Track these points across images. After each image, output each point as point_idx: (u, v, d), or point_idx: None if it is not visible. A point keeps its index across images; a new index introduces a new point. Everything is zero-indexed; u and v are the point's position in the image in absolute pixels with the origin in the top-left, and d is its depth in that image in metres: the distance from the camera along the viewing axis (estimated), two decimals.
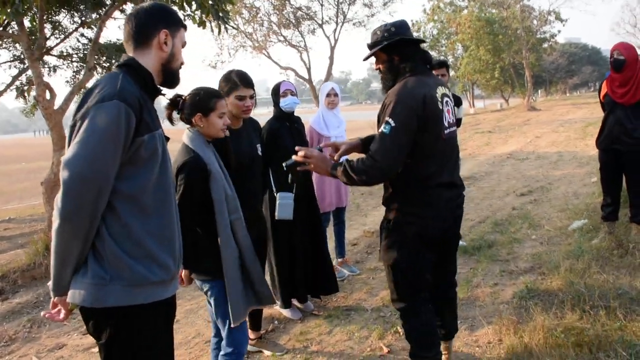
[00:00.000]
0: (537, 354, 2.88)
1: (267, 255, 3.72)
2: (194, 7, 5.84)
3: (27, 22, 7.73)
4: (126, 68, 1.76)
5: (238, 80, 2.96)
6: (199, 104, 2.50)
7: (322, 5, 23.05)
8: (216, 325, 2.76)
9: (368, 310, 3.97)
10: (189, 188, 2.40)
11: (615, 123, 4.47)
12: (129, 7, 7.46)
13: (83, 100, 1.66)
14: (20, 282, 5.36)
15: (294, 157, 2.58)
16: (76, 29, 9.37)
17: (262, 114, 3.96)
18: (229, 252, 2.49)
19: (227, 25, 5.95)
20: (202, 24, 5.93)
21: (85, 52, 9.76)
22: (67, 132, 1.69)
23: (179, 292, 4.56)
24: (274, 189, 3.73)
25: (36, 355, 3.80)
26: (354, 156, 2.61)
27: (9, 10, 4.45)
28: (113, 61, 9.30)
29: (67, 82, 10.44)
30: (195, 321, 4.12)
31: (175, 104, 2.46)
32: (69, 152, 1.58)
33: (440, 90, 2.47)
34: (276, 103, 3.89)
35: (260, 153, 3.20)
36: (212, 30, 5.95)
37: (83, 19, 8.75)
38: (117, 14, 7.68)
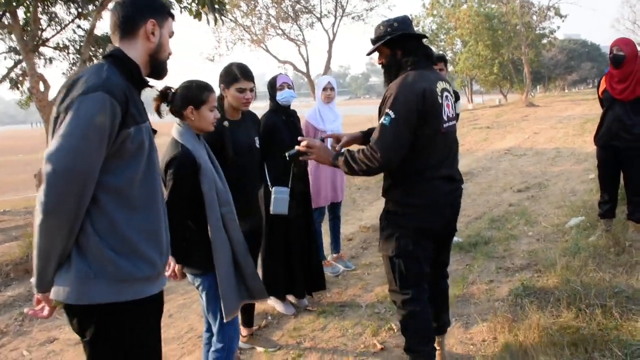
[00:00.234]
0: (532, 353, 2.85)
1: (261, 249, 3.68)
2: None
3: (21, 14, 7.66)
4: (112, 59, 1.71)
5: (239, 73, 2.99)
6: (191, 97, 2.46)
7: None
8: (208, 320, 2.72)
9: (362, 306, 3.94)
10: (178, 182, 2.36)
11: (614, 119, 4.43)
12: None
13: (67, 91, 1.60)
14: (12, 275, 5.31)
15: (296, 147, 2.64)
16: (72, 21, 9.30)
17: (260, 107, 3.92)
18: (220, 246, 2.45)
19: (222, 17, 5.89)
20: (197, 15, 5.87)
21: (81, 43, 9.69)
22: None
23: (172, 286, 4.56)
24: (269, 183, 3.69)
25: (27, 349, 3.76)
26: (355, 148, 2.65)
27: (2, 1, 4.38)
28: None
29: (64, 74, 10.39)
30: (188, 316, 4.09)
31: (164, 96, 2.41)
32: (51, 144, 1.53)
33: (441, 85, 2.51)
34: (272, 96, 3.85)
35: (257, 146, 3.22)
36: (208, 22, 5.89)
37: (79, 10, 8.68)
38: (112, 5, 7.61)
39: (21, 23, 8.46)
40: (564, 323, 3.08)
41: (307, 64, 23.56)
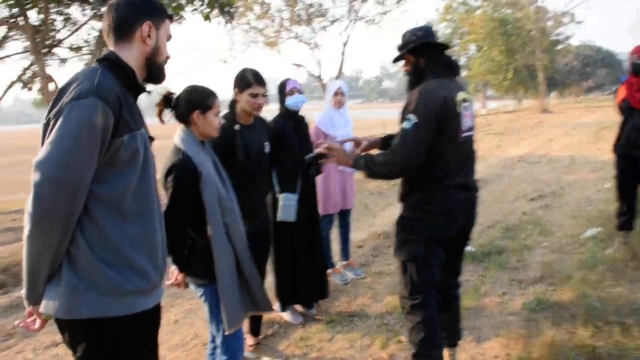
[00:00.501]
0: None
1: (270, 256, 3.62)
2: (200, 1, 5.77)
3: (34, 15, 7.71)
4: (106, 62, 1.63)
5: (252, 78, 3.05)
6: (197, 101, 2.40)
7: (334, 2, 22.92)
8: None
9: (371, 316, 3.86)
10: (178, 190, 2.29)
11: (633, 128, 4.32)
12: None
13: (58, 96, 1.53)
14: (21, 275, 5.29)
15: (317, 149, 2.73)
16: (87, 22, 9.36)
17: (272, 110, 3.88)
18: (222, 256, 2.38)
19: (232, 19, 5.87)
20: (207, 17, 5.85)
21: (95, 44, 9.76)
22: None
23: (179, 291, 4.49)
24: (277, 189, 3.62)
25: (33, 352, 3.73)
26: (374, 152, 2.70)
27: (11, 2, 4.36)
28: None
29: None
30: (194, 322, 4.03)
31: (168, 101, 2.35)
32: (40, 152, 1.46)
33: (461, 95, 2.56)
34: (282, 101, 3.78)
35: (267, 150, 3.23)
36: (219, 24, 5.86)
37: (94, 11, 8.73)
38: None
39: (36, 24, 8.55)
40: (580, 341, 2.98)
41: (320, 67, 23.54)
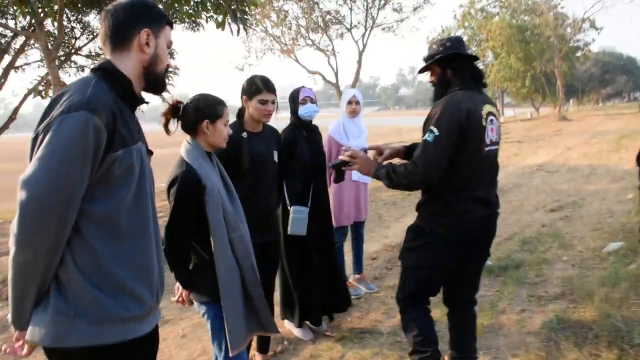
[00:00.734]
0: None
1: (279, 271, 3.52)
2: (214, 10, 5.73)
3: (49, 24, 7.78)
4: (101, 72, 1.54)
5: (261, 85, 2.99)
6: (207, 110, 2.31)
7: (351, 9, 22.96)
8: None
9: (384, 333, 3.72)
10: (180, 203, 2.20)
11: None
12: None
13: (49, 108, 1.44)
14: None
15: (340, 156, 2.74)
16: None
17: (285, 118, 3.80)
18: (226, 275, 2.27)
19: (246, 27, 5.81)
20: (221, 25, 5.79)
21: None
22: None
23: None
24: (288, 201, 3.52)
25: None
26: (397, 162, 2.70)
27: (26, 10, 4.36)
28: None
29: None
30: (202, 337, 3.93)
31: (175, 110, 2.27)
32: (28, 169, 1.36)
33: (487, 108, 2.53)
34: (294, 110, 3.68)
35: (275, 159, 3.14)
36: (232, 32, 5.80)
37: None
38: None
39: (53, 32, 8.63)
40: None
41: (336, 74, 23.51)
